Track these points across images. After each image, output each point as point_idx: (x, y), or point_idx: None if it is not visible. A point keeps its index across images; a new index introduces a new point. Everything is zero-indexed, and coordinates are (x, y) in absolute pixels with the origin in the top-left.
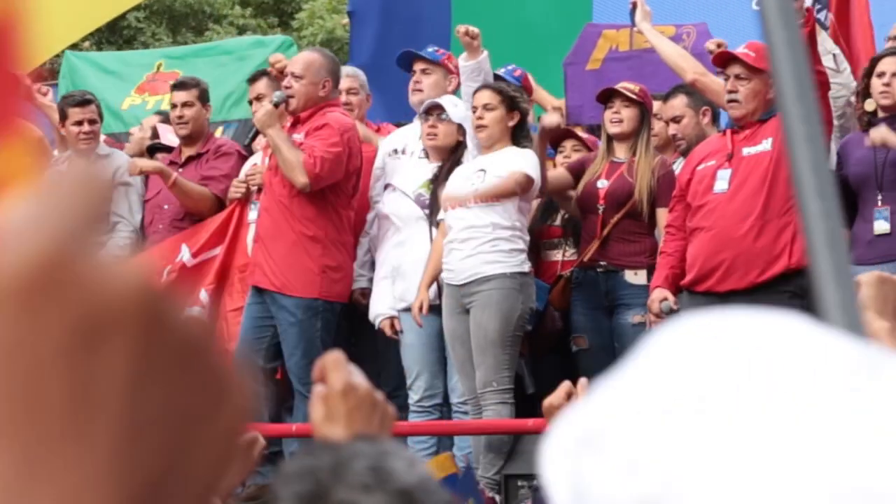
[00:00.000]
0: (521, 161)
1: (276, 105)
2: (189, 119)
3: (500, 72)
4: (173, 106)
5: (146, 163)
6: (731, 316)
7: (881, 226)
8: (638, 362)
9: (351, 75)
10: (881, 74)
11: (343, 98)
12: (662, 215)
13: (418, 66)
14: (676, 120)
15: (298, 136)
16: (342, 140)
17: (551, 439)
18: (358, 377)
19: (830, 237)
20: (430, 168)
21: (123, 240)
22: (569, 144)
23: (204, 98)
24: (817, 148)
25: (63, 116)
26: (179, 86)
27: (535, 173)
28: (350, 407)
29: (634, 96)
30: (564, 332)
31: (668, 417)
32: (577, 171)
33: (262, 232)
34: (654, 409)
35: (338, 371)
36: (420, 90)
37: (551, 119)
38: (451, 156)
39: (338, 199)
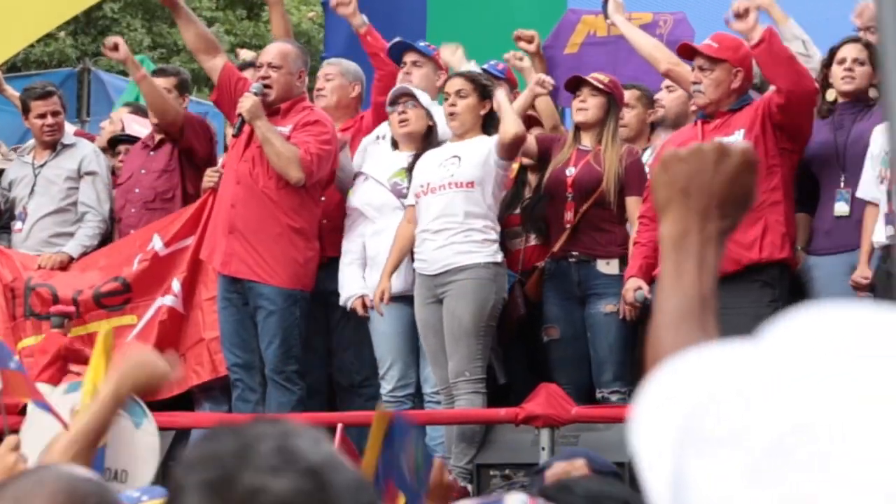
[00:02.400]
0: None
1: (257, 95)
2: None
3: (484, 67)
4: None
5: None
6: (843, 309)
7: (841, 207)
8: (743, 352)
9: (333, 63)
10: (842, 61)
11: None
12: (631, 204)
13: (409, 58)
14: (670, 89)
15: (284, 129)
16: (333, 137)
17: (645, 424)
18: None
19: None
20: (404, 156)
21: (92, 230)
22: (534, 133)
23: (182, 88)
24: None
25: (26, 109)
26: (159, 72)
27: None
28: None
29: (602, 86)
30: (530, 319)
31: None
32: (544, 147)
33: (240, 223)
34: (789, 411)
35: None
36: (410, 81)
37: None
38: (423, 142)
39: (316, 191)
